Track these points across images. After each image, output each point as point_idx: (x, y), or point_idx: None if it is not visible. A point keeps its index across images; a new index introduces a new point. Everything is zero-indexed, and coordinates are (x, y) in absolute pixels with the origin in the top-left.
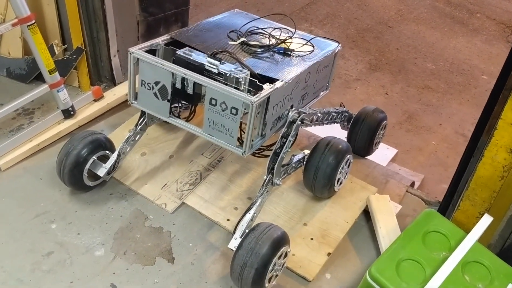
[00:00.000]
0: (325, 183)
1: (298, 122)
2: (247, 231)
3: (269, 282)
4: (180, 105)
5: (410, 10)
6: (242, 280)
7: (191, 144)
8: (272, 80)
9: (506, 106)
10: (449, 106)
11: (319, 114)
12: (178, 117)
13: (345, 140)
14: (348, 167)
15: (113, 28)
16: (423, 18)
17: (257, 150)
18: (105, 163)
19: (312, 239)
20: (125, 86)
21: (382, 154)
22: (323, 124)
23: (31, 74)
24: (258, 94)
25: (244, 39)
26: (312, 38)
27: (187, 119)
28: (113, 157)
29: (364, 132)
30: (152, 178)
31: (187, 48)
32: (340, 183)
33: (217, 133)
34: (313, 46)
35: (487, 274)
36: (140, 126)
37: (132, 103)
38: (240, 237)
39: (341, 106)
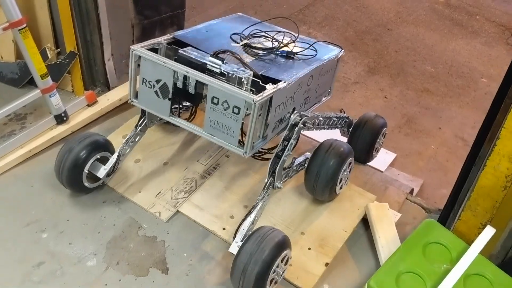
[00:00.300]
0: (326, 185)
1: (300, 125)
2: (248, 234)
3: (269, 286)
4: (180, 106)
5: (409, 12)
6: (243, 285)
7: (186, 151)
8: (274, 82)
9: (509, 115)
10: (449, 109)
11: (320, 118)
12: (179, 117)
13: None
14: (350, 169)
15: (107, 31)
16: (422, 20)
17: (257, 153)
18: (104, 164)
19: (309, 248)
20: (119, 91)
21: (381, 158)
22: (324, 128)
23: (23, 78)
24: (261, 94)
25: (247, 41)
26: (315, 42)
27: (188, 120)
28: (112, 159)
29: (364, 139)
30: (146, 185)
31: (189, 47)
32: (341, 186)
33: (218, 133)
34: (315, 51)
35: (489, 287)
36: (140, 127)
37: (132, 101)
38: (241, 241)
39: (341, 111)
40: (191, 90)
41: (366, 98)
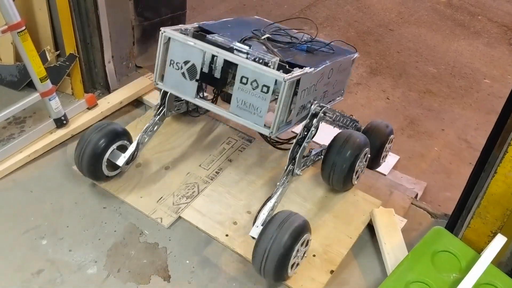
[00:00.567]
0: (343, 175)
1: (321, 114)
2: (268, 219)
3: (291, 269)
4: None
5: (411, 12)
6: (265, 268)
7: (188, 155)
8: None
9: None
10: (451, 111)
11: (337, 113)
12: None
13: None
14: (366, 160)
15: (107, 33)
16: (424, 20)
17: (277, 143)
18: (123, 153)
19: (314, 255)
20: (120, 93)
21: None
22: (338, 125)
23: (23, 81)
24: (291, 73)
25: (269, 35)
26: (332, 41)
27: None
28: (132, 147)
29: (373, 145)
30: (148, 190)
31: (216, 34)
32: (358, 177)
33: (244, 113)
34: (333, 50)
35: None
36: (158, 117)
37: (157, 84)
38: (262, 225)
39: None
40: (217, 74)
41: (368, 99)
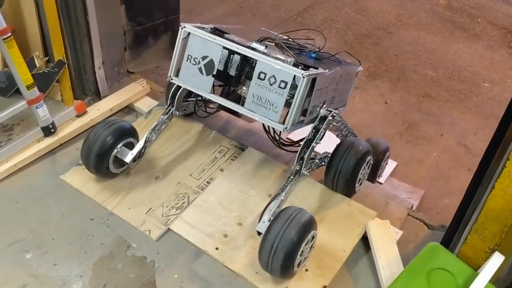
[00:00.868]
0: (346, 182)
1: (330, 117)
2: (275, 215)
3: (297, 266)
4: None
5: (410, 15)
6: (272, 264)
7: (179, 164)
8: None
9: None
10: (451, 115)
11: (343, 120)
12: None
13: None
14: (369, 168)
15: (98, 39)
16: (423, 23)
17: (284, 145)
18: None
19: (306, 270)
20: (111, 100)
21: None
22: (341, 133)
23: (11, 88)
24: (309, 70)
25: (279, 42)
26: (339, 52)
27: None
28: (139, 144)
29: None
30: (137, 201)
31: (231, 35)
32: (361, 183)
33: (260, 108)
34: (340, 61)
35: None
36: (167, 116)
37: (172, 79)
38: (268, 221)
39: None
40: (233, 72)
41: (366, 103)
